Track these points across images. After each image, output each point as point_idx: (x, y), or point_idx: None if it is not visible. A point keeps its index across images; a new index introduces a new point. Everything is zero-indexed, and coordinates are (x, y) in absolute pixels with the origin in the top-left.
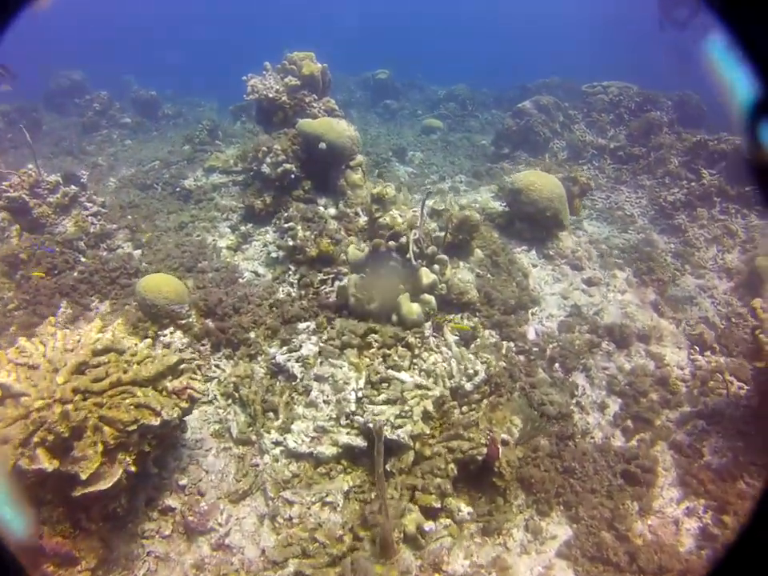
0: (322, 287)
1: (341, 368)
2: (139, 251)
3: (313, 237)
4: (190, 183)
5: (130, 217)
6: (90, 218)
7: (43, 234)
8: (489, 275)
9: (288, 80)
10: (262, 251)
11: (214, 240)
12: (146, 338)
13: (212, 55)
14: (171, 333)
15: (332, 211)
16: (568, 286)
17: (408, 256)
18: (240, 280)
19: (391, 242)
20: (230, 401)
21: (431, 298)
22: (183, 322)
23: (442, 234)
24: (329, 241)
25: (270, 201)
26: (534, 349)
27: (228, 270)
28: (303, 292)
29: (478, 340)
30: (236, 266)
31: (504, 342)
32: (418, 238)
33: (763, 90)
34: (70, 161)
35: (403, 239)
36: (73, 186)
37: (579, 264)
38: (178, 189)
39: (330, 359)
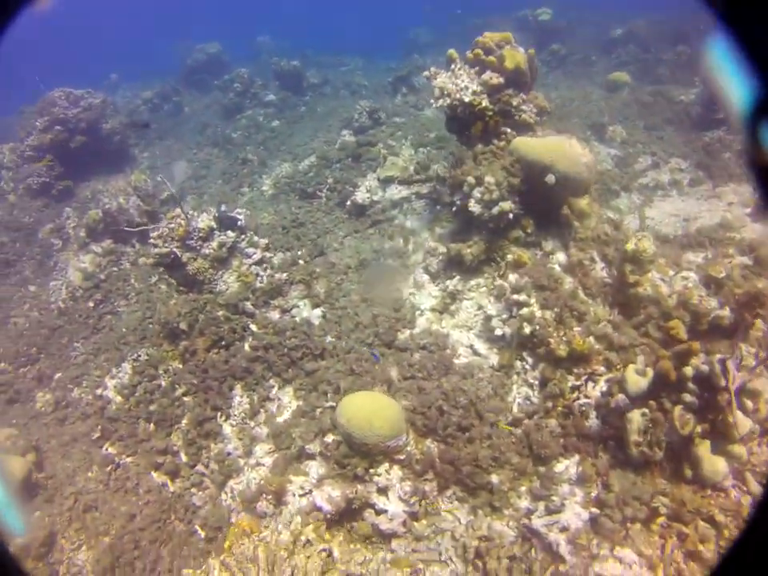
0: (575, 397)
1: (630, 566)
2: (319, 312)
3: (554, 320)
4: (363, 197)
5: (301, 263)
6: (253, 267)
7: (202, 292)
8: None
9: (487, 77)
10: (476, 316)
11: (411, 294)
12: (355, 484)
13: None
14: (387, 471)
15: (561, 258)
16: None
17: (731, 419)
18: (455, 361)
19: (687, 369)
20: (470, 568)
21: (743, 451)
22: (402, 457)
23: (723, 313)
24: (580, 332)
25: (482, 248)
26: None
27: (438, 347)
28: (550, 404)
29: None
30: (446, 338)
31: None
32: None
33: (763, 90)
34: (216, 154)
35: (701, 364)
36: (229, 233)
37: None
38: (348, 203)
39: (611, 544)
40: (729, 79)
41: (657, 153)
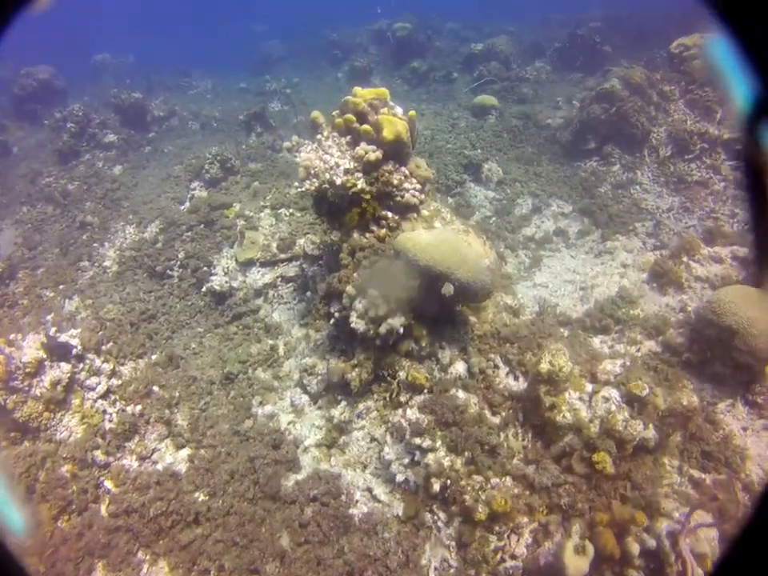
0: (500, 559)
1: None
2: (185, 455)
3: (465, 465)
4: (221, 282)
5: (157, 391)
6: (99, 403)
7: (38, 439)
8: (702, 475)
9: (363, 152)
10: (370, 450)
11: (290, 423)
12: None
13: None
14: None
15: (461, 369)
16: None
17: None
18: (353, 511)
19: (633, 546)
20: None
21: None
22: None
23: (648, 435)
24: (498, 484)
25: (369, 369)
26: None
27: (331, 495)
28: (473, 572)
29: None
30: (338, 481)
31: None
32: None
33: (763, 90)
34: (51, 211)
35: (648, 538)
36: (63, 366)
37: None
38: (204, 288)
39: None
40: (729, 79)
41: (536, 193)
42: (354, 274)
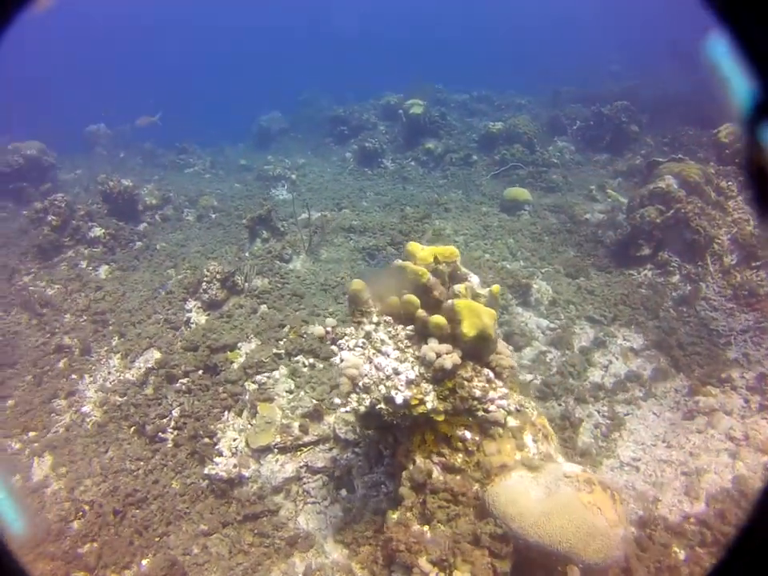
0: None
1: None
2: None
3: None
4: (228, 467)
5: None
6: None
7: None
8: None
9: (432, 354)
10: None
11: None
12: None
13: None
14: None
15: None
16: None
17: None
18: None
19: None
20: None
21: None
22: None
23: None
24: None
25: None
26: None
27: None
28: None
29: None
30: None
31: None
32: None
33: (763, 90)
34: (25, 321)
35: None
36: None
37: None
38: (204, 470)
39: None
40: (729, 79)
41: (595, 318)
42: (426, 531)
